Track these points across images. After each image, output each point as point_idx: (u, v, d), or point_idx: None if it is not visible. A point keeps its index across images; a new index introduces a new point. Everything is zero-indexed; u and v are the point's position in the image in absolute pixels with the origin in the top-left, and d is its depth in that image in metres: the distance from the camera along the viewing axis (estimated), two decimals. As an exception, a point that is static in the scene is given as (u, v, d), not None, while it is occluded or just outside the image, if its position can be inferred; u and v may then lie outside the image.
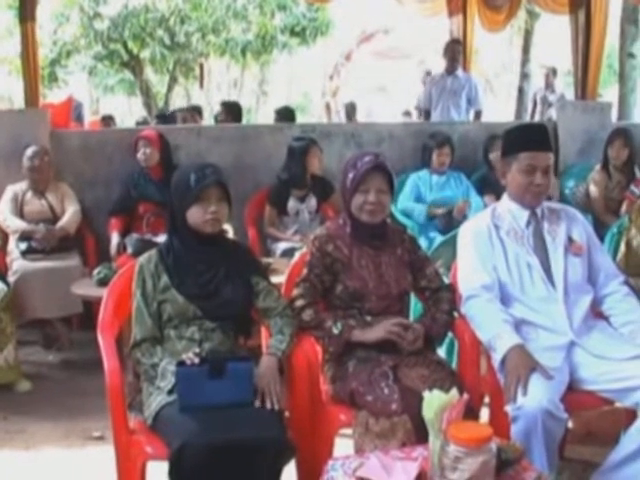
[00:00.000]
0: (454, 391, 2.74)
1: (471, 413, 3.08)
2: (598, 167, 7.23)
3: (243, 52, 18.05)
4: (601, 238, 4.94)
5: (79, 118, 12.13)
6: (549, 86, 13.02)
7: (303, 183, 6.33)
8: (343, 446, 3.42)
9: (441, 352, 4.01)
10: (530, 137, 3.73)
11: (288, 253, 5.44)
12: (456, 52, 9.28)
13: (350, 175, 3.62)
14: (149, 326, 3.38)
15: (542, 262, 3.69)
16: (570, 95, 9.81)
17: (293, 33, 17.78)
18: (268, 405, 3.18)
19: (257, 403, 3.18)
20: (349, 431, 3.31)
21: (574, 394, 3.45)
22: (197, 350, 3.22)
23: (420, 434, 2.90)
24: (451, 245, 4.20)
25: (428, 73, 12.44)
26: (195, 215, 3.41)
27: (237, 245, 3.77)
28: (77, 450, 4.42)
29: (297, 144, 6.44)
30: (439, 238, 5.96)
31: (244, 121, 9.66)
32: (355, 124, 11.17)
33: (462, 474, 2.52)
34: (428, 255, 4.03)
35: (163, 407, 3.15)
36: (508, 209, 3.79)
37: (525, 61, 15.74)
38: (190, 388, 3.11)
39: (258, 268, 3.69)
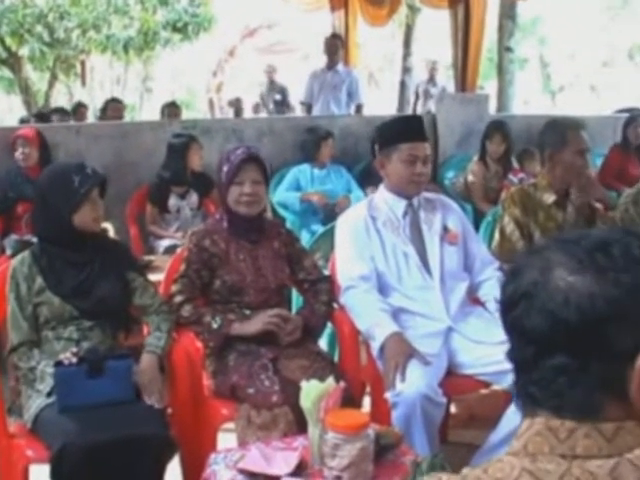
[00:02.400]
0: (330, 380, 2.78)
1: (352, 402, 3.12)
2: (476, 158, 7.39)
3: (125, 48, 17.76)
4: (480, 227, 5.07)
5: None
6: (431, 79, 13.22)
7: (184, 180, 6.29)
8: (227, 440, 3.43)
9: (322, 343, 4.05)
10: (409, 128, 3.81)
11: (170, 250, 5.39)
12: (335, 47, 9.33)
13: (225, 169, 3.63)
14: (25, 330, 3.31)
15: (418, 251, 3.76)
16: (451, 88, 9.97)
17: (175, 29, 17.56)
18: (148, 402, 3.17)
19: (147, 401, 3.18)
20: (232, 425, 3.32)
21: (453, 378, 3.54)
22: (74, 350, 3.18)
23: (301, 424, 2.93)
24: (329, 237, 4.24)
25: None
26: (85, 216, 3.35)
27: (113, 243, 3.73)
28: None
29: (177, 141, 6.39)
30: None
31: (127, 119, 9.53)
32: (236, 120, 11.14)
33: (341, 461, 2.56)
34: (307, 247, 4.06)
35: (43, 409, 3.10)
36: (385, 200, 3.85)
37: (407, 55, 15.94)
38: (69, 388, 3.08)
39: (134, 264, 3.66)
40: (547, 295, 1.28)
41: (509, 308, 1.34)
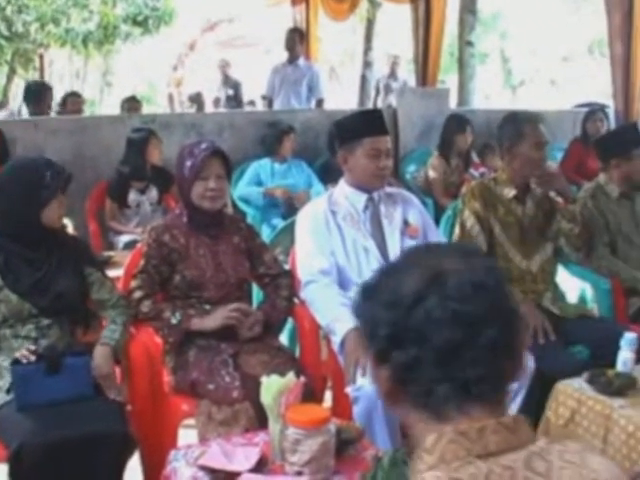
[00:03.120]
0: (291, 375, 2.77)
1: (313, 397, 3.12)
2: (437, 153, 7.42)
3: (85, 42, 17.60)
4: (440, 222, 5.09)
5: None
6: (392, 74, 13.23)
7: (143, 175, 6.24)
8: (187, 436, 3.41)
9: (283, 338, 4.04)
10: (372, 122, 3.82)
11: (130, 246, 5.35)
12: (296, 41, 9.31)
13: (188, 163, 3.58)
14: None
15: (379, 246, 3.77)
16: (412, 82, 10.01)
17: (136, 22, 17.43)
18: (109, 395, 3.15)
19: (108, 394, 3.17)
20: (193, 421, 3.30)
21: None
22: (32, 347, 3.15)
23: (262, 420, 2.92)
24: (290, 231, 4.23)
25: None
26: (52, 212, 3.33)
27: (71, 238, 3.69)
28: None
29: (136, 135, 6.35)
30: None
31: (87, 113, 9.45)
32: (195, 114, 11.08)
33: (302, 456, 2.55)
34: (267, 242, 4.05)
35: (1, 407, 3.07)
36: (345, 194, 3.85)
37: (368, 49, 15.93)
38: (27, 386, 3.05)
39: (92, 260, 3.63)
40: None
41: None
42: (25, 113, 9.11)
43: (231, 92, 12.86)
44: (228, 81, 13.16)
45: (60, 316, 3.36)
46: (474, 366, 1.38)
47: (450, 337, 1.37)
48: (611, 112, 8.19)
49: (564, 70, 25.59)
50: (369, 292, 1.48)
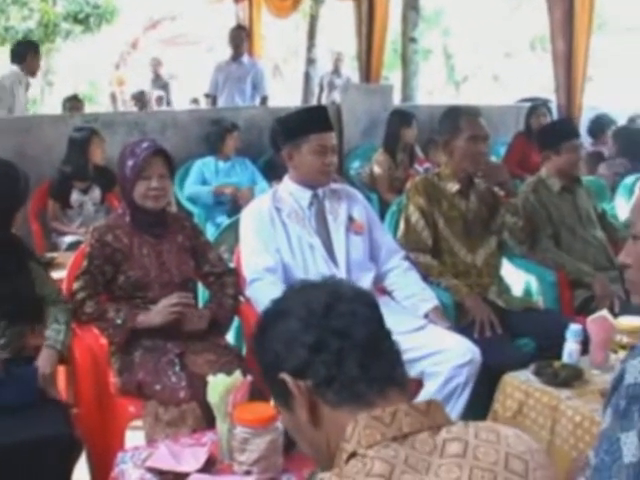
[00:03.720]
0: (237, 374, 2.76)
1: (260, 395, 3.10)
2: (381, 150, 7.44)
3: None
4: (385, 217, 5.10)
5: None
6: (336, 70, 13.25)
7: (86, 174, 6.17)
8: (135, 438, 3.37)
9: (230, 337, 4.02)
10: (317, 119, 3.82)
11: (73, 247, 5.28)
12: (240, 38, 9.30)
13: (130, 163, 3.55)
14: None
15: (324, 242, 3.77)
16: (356, 79, 10.03)
17: (77, 20, 17.25)
18: (50, 395, 3.14)
19: (51, 394, 3.15)
20: (140, 422, 3.27)
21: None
22: None
23: (210, 420, 2.90)
24: (234, 229, 4.22)
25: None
26: (20, 215, 3.36)
27: (15, 238, 3.63)
28: None
29: (78, 135, 6.27)
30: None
31: (30, 112, 9.32)
32: (138, 112, 10.97)
33: (251, 454, 2.55)
34: (212, 240, 4.03)
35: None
36: (289, 191, 3.84)
37: (311, 46, 15.90)
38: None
39: (33, 255, 3.59)
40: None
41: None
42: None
43: (160, 93, 12.75)
44: (158, 80, 13.07)
45: (9, 319, 3.31)
46: (390, 354, 1.57)
47: (368, 332, 1.55)
48: (554, 107, 8.28)
49: (507, 66, 25.82)
50: (270, 322, 1.62)
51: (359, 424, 1.45)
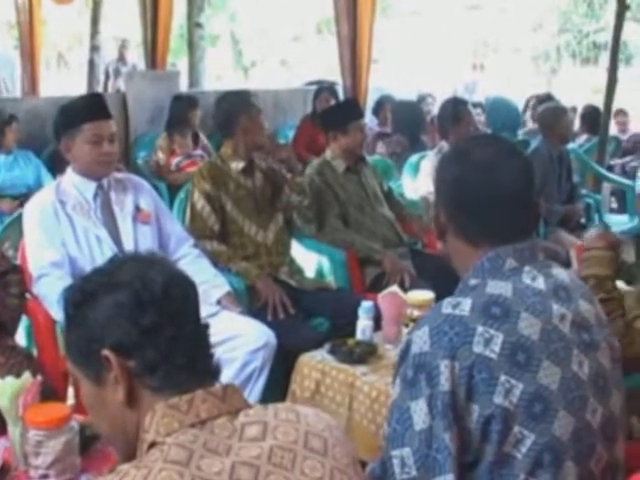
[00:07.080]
0: (27, 375, 2.67)
1: (55, 395, 3.03)
2: (164, 134, 7.41)
3: None
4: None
5: None
6: (121, 58, 13.06)
7: None
8: None
9: (21, 337, 3.88)
10: (90, 107, 3.72)
11: None
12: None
13: None
14: None
15: (111, 234, 3.70)
16: (142, 66, 9.91)
17: None
18: None
19: None
20: None
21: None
22: None
23: (1, 425, 2.79)
24: (18, 225, 4.07)
25: None
26: None
27: None
28: None
29: None
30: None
31: None
32: None
33: (46, 458, 2.47)
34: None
35: None
36: (73, 183, 3.74)
37: (95, 33, 15.55)
38: None
39: None
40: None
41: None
42: None
43: None
44: None
45: None
46: (209, 344, 1.59)
47: (196, 319, 1.59)
48: (340, 89, 8.45)
49: (294, 50, 26.17)
50: (96, 290, 1.55)
51: (157, 413, 1.45)
